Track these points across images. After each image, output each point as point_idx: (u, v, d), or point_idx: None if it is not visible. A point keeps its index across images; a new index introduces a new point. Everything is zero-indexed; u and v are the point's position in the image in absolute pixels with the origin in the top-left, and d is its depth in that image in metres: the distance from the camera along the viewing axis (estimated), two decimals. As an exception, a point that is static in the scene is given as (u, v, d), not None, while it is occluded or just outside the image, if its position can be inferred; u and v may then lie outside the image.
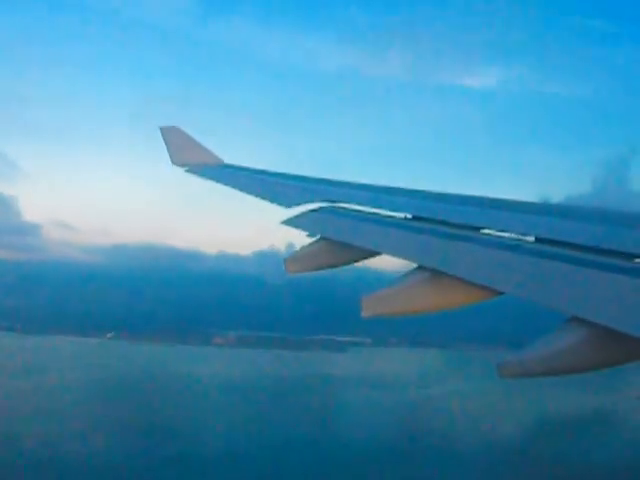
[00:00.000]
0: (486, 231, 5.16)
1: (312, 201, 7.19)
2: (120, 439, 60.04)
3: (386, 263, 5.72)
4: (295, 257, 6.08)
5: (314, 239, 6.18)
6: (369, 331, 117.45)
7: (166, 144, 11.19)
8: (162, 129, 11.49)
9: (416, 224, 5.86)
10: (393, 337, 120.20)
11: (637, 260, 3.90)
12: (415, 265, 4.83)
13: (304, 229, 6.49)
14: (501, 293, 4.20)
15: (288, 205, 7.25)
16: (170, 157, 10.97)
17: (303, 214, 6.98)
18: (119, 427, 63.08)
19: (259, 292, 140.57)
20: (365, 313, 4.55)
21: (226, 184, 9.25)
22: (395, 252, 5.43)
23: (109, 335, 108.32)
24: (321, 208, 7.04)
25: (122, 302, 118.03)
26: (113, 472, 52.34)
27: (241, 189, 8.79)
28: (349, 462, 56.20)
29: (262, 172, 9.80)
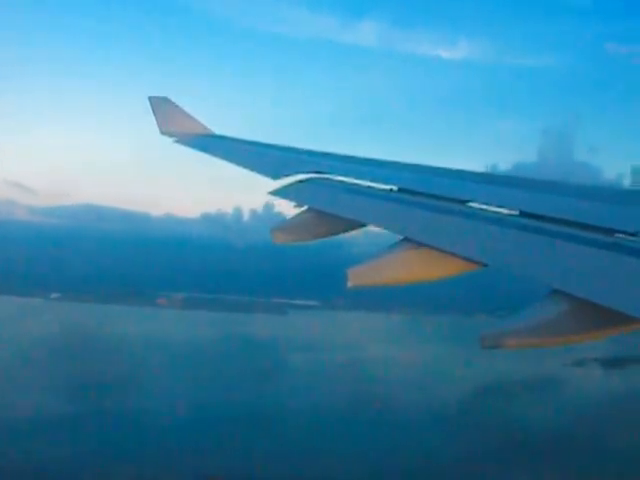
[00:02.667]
0: (472, 204, 5.24)
1: (300, 172, 7.17)
2: (40, 395, 61.93)
3: (372, 234, 5.98)
4: (282, 227, 6.13)
5: (301, 210, 6.27)
6: (323, 295, 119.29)
7: (155, 114, 10.97)
8: (151, 99, 11.23)
9: (402, 196, 5.90)
10: (341, 300, 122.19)
11: (618, 235, 3.98)
12: (401, 237, 4.89)
13: (291, 200, 6.55)
14: (485, 265, 4.29)
15: (276, 176, 7.26)
16: (159, 127, 10.82)
17: (291, 185, 7.00)
18: (41, 384, 64.98)
19: (214, 255, 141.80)
20: (351, 283, 4.63)
21: (214, 155, 9.19)
22: (381, 224, 5.52)
23: (53, 295, 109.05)
24: (309, 179, 7.04)
25: (70, 263, 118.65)
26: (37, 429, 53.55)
27: (230, 160, 8.70)
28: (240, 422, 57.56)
29: (252, 143, 9.71)
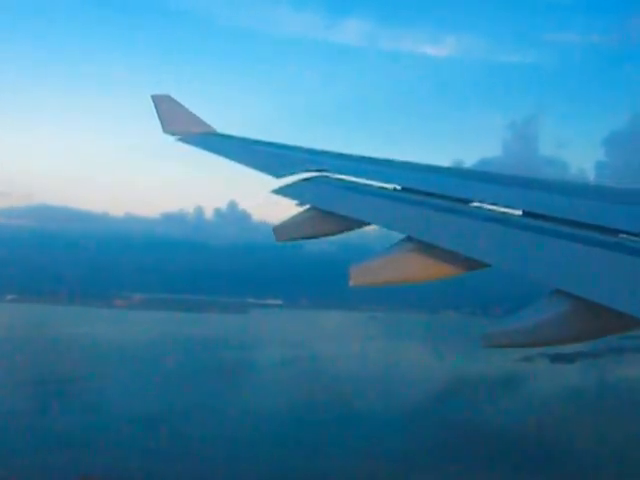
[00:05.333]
0: (475, 204, 5.19)
1: (303, 171, 7.14)
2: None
3: (373, 234, 5.84)
4: (284, 225, 6.14)
5: (304, 208, 6.23)
6: (289, 294, 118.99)
7: (157, 112, 10.83)
8: (154, 97, 11.06)
9: (405, 195, 5.87)
10: (305, 299, 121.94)
11: (621, 235, 3.95)
12: (403, 236, 4.86)
13: (294, 198, 6.50)
14: (488, 265, 4.24)
15: (279, 175, 7.19)
16: (162, 125, 10.68)
17: (293, 183, 6.98)
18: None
19: (180, 256, 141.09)
20: (352, 282, 4.58)
21: (217, 153, 9.09)
22: (384, 223, 5.51)
23: (9, 297, 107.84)
24: (312, 178, 7.02)
25: (28, 265, 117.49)
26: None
27: (233, 158, 8.65)
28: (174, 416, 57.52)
29: (254, 142, 9.65)
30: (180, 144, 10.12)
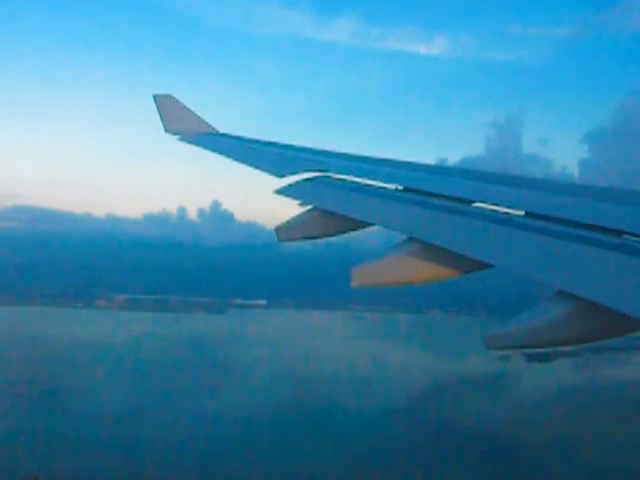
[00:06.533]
0: (477, 204, 5.16)
1: (305, 171, 7.15)
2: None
3: (375, 233, 5.77)
4: (286, 226, 6.11)
5: (306, 208, 6.21)
6: (273, 294, 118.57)
7: (160, 112, 10.90)
8: (156, 97, 11.10)
9: (407, 195, 5.84)
10: (289, 299, 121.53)
11: (625, 236, 3.92)
12: (405, 237, 4.84)
13: (296, 198, 6.50)
14: (491, 266, 4.22)
15: (281, 175, 7.18)
16: (164, 125, 10.75)
17: (296, 183, 6.97)
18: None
19: (165, 255, 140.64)
20: (354, 283, 4.56)
21: (220, 153, 9.14)
22: (386, 223, 5.48)
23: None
24: (314, 178, 7.02)
25: (10, 266, 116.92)
26: None
27: (235, 158, 8.70)
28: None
29: (256, 141, 9.70)
30: (180, 144, 10.11)
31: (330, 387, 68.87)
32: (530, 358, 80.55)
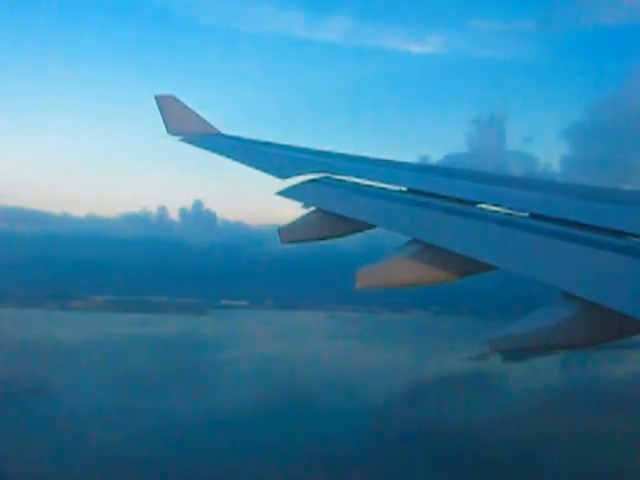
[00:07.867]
0: (481, 206, 5.15)
1: (308, 172, 7.10)
2: None
3: (379, 236, 5.81)
4: (289, 227, 6.08)
5: (309, 210, 6.19)
6: (255, 295, 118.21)
7: (162, 113, 10.76)
8: (157, 98, 10.94)
9: (412, 197, 5.81)
10: (271, 300, 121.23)
11: (628, 237, 3.90)
12: (409, 238, 4.84)
13: (299, 200, 6.52)
14: (495, 267, 4.20)
15: (284, 176, 7.15)
16: (165, 126, 10.65)
17: (299, 185, 6.94)
18: None
19: (145, 256, 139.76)
20: (359, 285, 4.60)
21: (222, 154, 9.10)
22: (390, 225, 5.49)
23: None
24: (317, 179, 6.99)
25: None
26: None
27: (237, 159, 8.67)
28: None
29: (258, 142, 9.66)
30: (181, 144, 10.10)
31: (300, 386, 69.01)
32: (506, 357, 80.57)
